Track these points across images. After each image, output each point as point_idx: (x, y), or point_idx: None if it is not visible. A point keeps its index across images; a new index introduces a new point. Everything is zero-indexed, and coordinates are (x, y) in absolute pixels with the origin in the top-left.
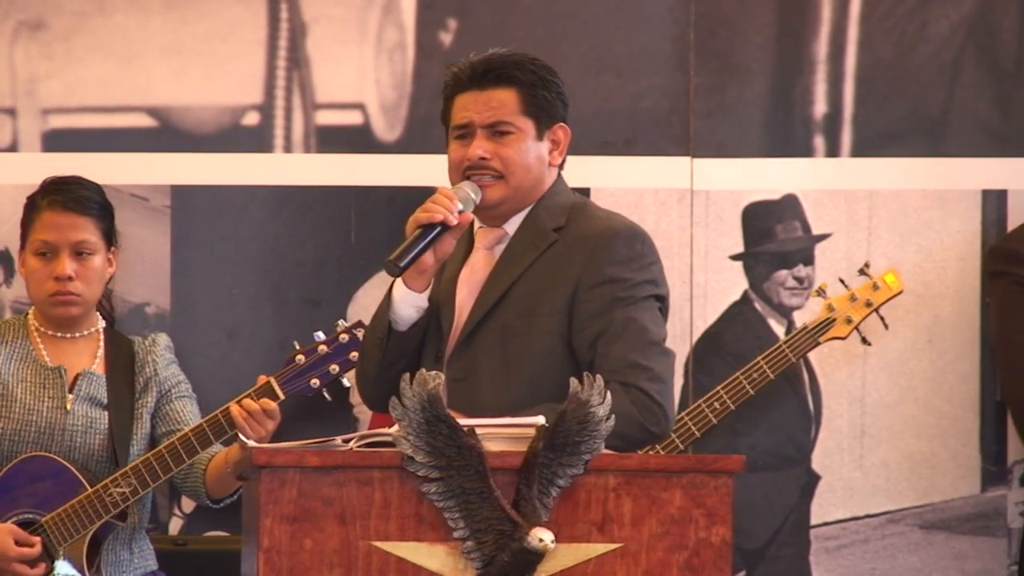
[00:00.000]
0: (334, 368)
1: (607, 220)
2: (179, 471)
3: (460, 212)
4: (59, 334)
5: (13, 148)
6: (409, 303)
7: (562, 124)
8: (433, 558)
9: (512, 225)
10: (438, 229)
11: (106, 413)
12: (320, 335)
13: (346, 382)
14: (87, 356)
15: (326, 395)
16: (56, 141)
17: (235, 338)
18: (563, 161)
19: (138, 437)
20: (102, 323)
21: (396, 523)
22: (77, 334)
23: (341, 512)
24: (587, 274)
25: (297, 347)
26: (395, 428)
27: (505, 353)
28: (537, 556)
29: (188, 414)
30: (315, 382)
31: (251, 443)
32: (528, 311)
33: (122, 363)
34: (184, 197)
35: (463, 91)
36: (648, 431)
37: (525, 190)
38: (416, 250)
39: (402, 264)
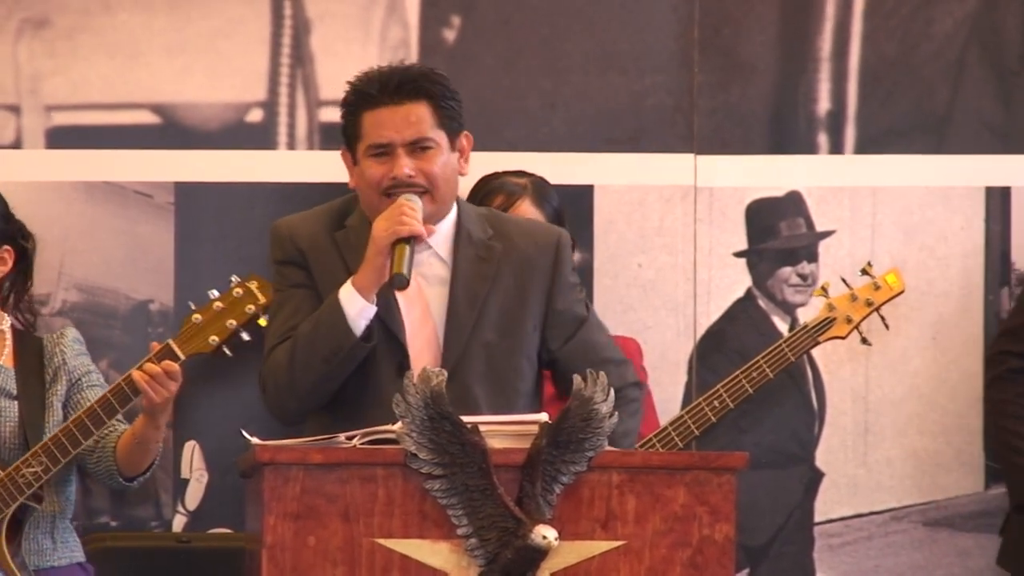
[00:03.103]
0: (231, 323)
1: (542, 225)
2: (90, 456)
3: None
4: None
5: (17, 145)
6: (365, 315)
7: (466, 132)
8: (436, 555)
9: (436, 238)
10: (413, 240)
11: (16, 403)
12: (214, 293)
13: (245, 336)
14: None
15: (227, 351)
16: (60, 138)
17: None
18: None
19: (50, 425)
20: (7, 321)
21: (399, 520)
22: None
23: (344, 509)
24: (557, 282)
25: (192, 307)
26: (398, 425)
27: (497, 374)
28: (540, 553)
29: None
30: (214, 339)
31: (254, 440)
32: (509, 329)
33: (31, 357)
34: (188, 194)
35: (374, 107)
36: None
37: (447, 202)
38: (410, 261)
39: (409, 277)
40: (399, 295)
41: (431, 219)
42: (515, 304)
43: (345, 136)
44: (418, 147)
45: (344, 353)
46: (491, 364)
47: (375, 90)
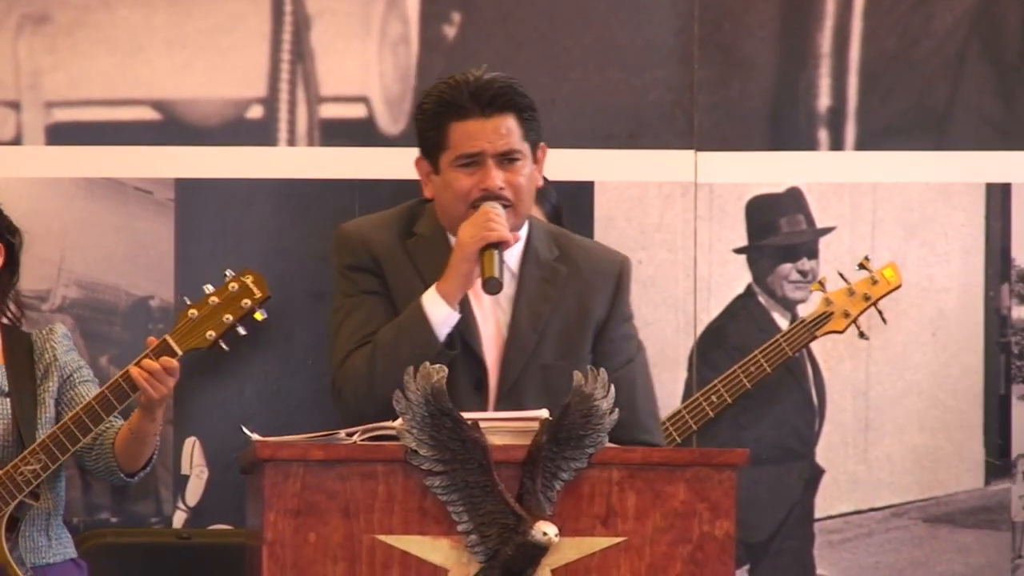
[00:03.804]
0: (228, 318)
1: (606, 250)
2: (88, 453)
3: None
4: None
5: (17, 141)
6: (449, 323)
7: (542, 143)
8: (437, 552)
9: (509, 253)
10: (500, 246)
11: (8, 400)
12: (209, 287)
13: (241, 330)
14: None
15: (223, 346)
16: (60, 134)
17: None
18: None
19: (43, 421)
20: None
21: (400, 517)
22: None
23: (345, 506)
24: (614, 310)
25: (188, 302)
26: (399, 422)
27: (552, 396)
28: (541, 550)
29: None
30: (211, 334)
31: (254, 436)
32: (567, 351)
33: (20, 353)
34: (188, 191)
35: (464, 117)
36: None
37: (526, 215)
38: (501, 266)
39: (502, 281)
40: (476, 309)
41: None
42: (575, 327)
43: (424, 144)
44: (506, 159)
45: (428, 360)
46: (548, 386)
47: (466, 101)
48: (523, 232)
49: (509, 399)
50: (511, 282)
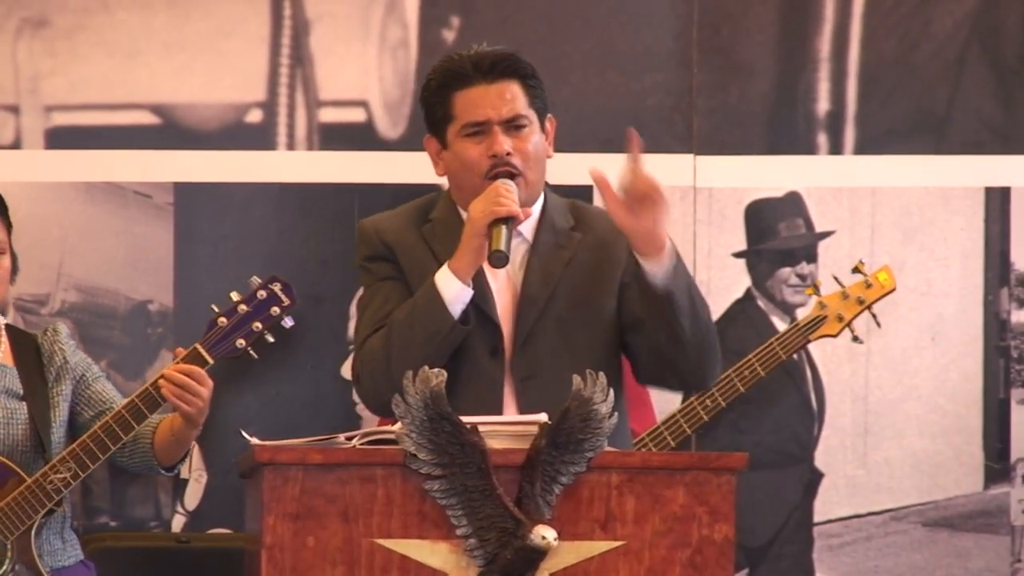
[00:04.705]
0: (257, 326)
1: None
2: (122, 450)
3: None
4: None
5: (16, 145)
6: (462, 299)
7: (550, 116)
8: (436, 556)
9: (525, 224)
10: (510, 221)
11: (24, 404)
12: (235, 295)
13: (269, 338)
14: None
15: (252, 353)
16: (59, 138)
17: None
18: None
19: (56, 425)
20: (2, 319)
21: (399, 521)
22: None
23: (344, 510)
24: (631, 257)
25: (216, 310)
26: (398, 426)
27: (569, 346)
28: (540, 554)
29: (110, 392)
30: (241, 342)
31: (253, 440)
32: (582, 301)
33: (29, 355)
34: (187, 195)
35: (467, 86)
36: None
37: (538, 185)
38: (508, 240)
39: (508, 254)
40: (491, 280)
41: (523, 203)
42: (590, 280)
43: (431, 120)
44: (513, 125)
45: (441, 337)
46: (564, 337)
47: (468, 69)
48: (539, 203)
49: (524, 354)
50: (524, 248)
